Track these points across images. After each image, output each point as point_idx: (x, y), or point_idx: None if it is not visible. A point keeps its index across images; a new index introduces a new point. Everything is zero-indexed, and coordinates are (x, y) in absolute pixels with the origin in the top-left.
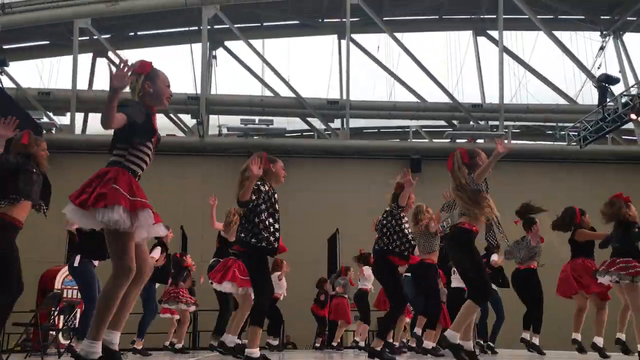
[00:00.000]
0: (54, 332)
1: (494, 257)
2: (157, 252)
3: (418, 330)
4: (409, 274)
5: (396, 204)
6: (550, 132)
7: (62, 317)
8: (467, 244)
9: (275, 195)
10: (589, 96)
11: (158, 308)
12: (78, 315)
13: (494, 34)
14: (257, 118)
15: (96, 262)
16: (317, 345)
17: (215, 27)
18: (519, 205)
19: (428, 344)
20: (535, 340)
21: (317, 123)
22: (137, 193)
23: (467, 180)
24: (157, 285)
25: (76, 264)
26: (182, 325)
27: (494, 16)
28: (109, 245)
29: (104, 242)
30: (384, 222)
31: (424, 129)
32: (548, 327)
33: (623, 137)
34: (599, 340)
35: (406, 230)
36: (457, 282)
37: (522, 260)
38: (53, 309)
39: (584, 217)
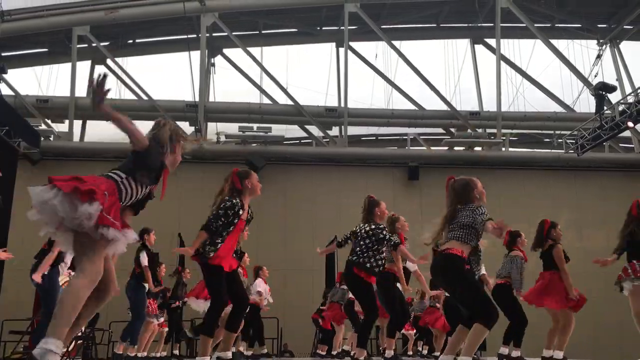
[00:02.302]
0: None
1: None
2: (144, 258)
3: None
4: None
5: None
6: (548, 140)
7: None
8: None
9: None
10: (586, 104)
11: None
12: None
13: (492, 42)
14: (255, 125)
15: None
16: (322, 353)
17: (214, 34)
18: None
19: (390, 352)
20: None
21: (315, 130)
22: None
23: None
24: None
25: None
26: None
27: (492, 24)
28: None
29: None
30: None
31: (421, 137)
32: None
33: (620, 145)
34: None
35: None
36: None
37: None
38: None
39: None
